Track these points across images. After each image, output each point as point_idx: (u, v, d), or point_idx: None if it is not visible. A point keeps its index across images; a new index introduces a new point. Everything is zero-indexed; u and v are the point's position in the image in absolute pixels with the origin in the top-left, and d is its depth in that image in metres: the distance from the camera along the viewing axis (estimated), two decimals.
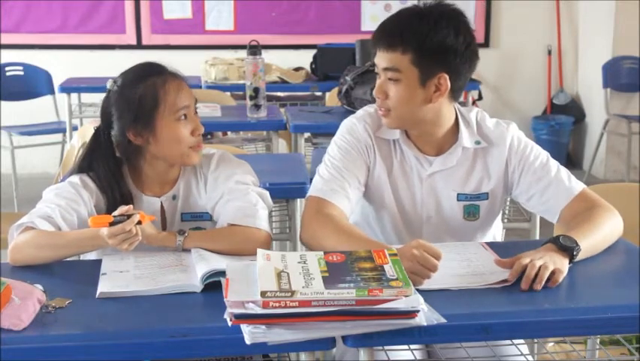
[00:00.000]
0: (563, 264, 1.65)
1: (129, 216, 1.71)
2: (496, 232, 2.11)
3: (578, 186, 1.96)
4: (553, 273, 1.61)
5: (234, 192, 1.91)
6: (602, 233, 1.83)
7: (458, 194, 2.00)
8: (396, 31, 1.89)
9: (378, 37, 1.92)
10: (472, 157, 2.01)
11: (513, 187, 2.02)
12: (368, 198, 2.04)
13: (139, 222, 1.72)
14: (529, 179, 1.98)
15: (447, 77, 1.89)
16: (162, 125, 1.88)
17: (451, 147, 1.99)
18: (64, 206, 1.85)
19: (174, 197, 1.97)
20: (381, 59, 1.91)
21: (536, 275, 1.60)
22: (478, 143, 2.00)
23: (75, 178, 1.93)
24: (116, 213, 1.72)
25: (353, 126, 2.03)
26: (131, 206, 1.76)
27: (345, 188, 1.94)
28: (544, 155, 2.01)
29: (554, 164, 2.00)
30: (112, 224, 1.70)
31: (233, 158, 2.03)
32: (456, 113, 2.00)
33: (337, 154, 2.00)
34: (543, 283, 1.59)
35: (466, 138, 1.99)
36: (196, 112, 1.95)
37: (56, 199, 1.87)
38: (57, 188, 1.92)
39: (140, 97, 1.87)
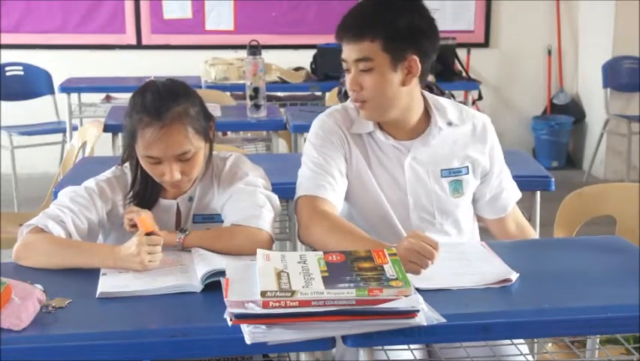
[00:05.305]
0: None
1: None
2: (471, 225, 2.13)
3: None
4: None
5: (242, 193, 1.91)
6: None
7: (442, 170, 2.02)
8: (362, 21, 1.92)
9: (345, 30, 1.95)
10: (447, 136, 2.03)
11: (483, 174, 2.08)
12: (352, 197, 2.03)
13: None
14: (495, 171, 2.08)
15: (417, 58, 1.92)
16: (139, 155, 1.88)
17: (425, 130, 2.02)
18: (77, 212, 1.85)
19: (190, 199, 1.97)
20: (351, 51, 1.94)
21: None
22: (449, 124, 2.03)
23: (92, 184, 1.93)
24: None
25: (323, 123, 2.05)
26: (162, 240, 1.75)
27: (330, 182, 1.96)
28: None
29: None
30: (147, 234, 1.73)
31: (247, 161, 2.02)
32: (424, 98, 2.03)
33: (313, 151, 2.02)
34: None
35: (439, 119, 2.02)
36: (188, 159, 1.86)
37: (70, 204, 1.86)
38: (73, 191, 1.91)
39: (128, 124, 1.87)
